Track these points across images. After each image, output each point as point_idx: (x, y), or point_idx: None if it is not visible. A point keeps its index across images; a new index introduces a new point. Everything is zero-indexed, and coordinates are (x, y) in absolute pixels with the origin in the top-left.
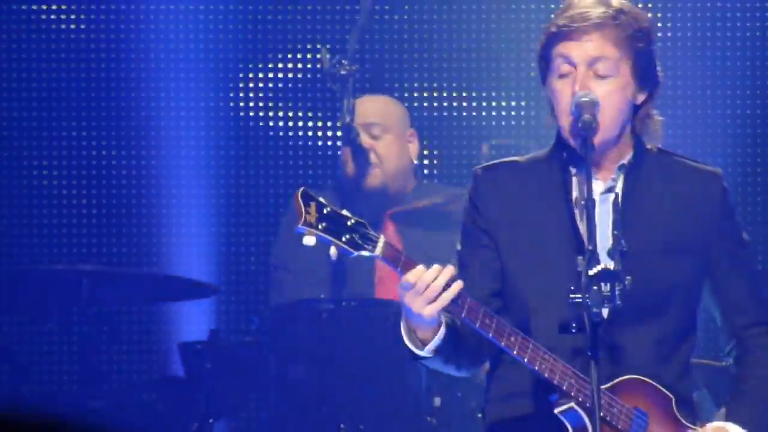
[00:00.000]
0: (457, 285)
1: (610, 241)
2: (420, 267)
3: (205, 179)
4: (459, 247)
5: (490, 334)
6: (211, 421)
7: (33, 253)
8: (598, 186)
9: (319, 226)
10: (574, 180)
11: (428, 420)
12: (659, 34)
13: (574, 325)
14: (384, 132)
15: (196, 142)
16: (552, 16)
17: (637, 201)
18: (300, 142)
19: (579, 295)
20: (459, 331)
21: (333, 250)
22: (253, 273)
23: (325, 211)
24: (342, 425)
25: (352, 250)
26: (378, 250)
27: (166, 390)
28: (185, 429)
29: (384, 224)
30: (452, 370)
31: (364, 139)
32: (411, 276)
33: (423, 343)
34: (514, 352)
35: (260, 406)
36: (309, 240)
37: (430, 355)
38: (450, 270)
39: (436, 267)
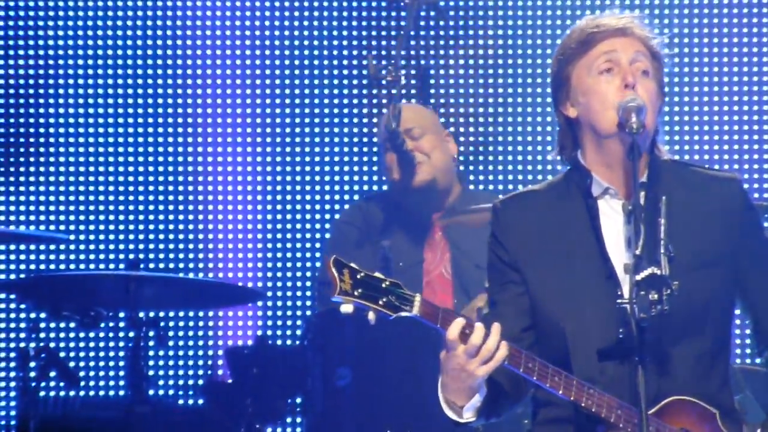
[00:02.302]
0: (505, 343)
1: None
2: (461, 320)
3: (252, 186)
4: (487, 284)
5: (534, 378)
6: (258, 426)
7: (81, 259)
8: (619, 204)
9: (355, 293)
10: (600, 203)
11: (475, 426)
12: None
13: (621, 331)
14: (423, 133)
15: (245, 149)
16: (567, 38)
17: (663, 209)
18: (346, 149)
19: (626, 300)
20: (497, 383)
21: (371, 315)
22: (300, 279)
23: (359, 277)
24: (388, 431)
25: (390, 313)
26: (416, 310)
27: (213, 395)
28: None
29: (432, 229)
30: (497, 420)
31: (408, 142)
32: (455, 330)
33: (462, 407)
34: (560, 392)
35: (306, 411)
36: (347, 308)
37: (474, 418)
38: (497, 327)
39: (480, 326)
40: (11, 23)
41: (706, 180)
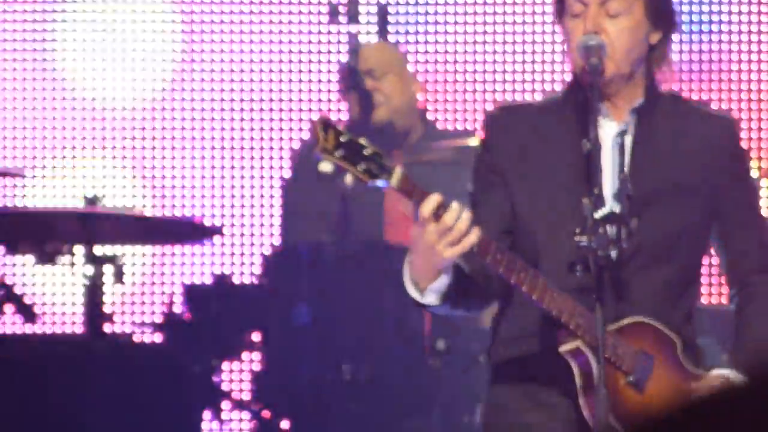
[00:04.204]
0: (476, 228)
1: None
2: (437, 197)
3: (210, 120)
4: (470, 188)
5: (501, 270)
6: (215, 362)
7: (38, 196)
8: (612, 128)
9: (336, 153)
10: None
11: (432, 363)
12: None
13: (578, 267)
14: (384, 74)
15: (201, 79)
16: None
17: (647, 144)
18: (305, 79)
19: (584, 237)
20: (463, 272)
21: (348, 178)
22: (258, 216)
23: (342, 139)
24: (344, 367)
25: (367, 179)
26: (394, 180)
27: (171, 331)
28: (190, 370)
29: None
30: (459, 313)
31: (367, 83)
32: (429, 206)
33: (426, 289)
34: (524, 288)
35: (264, 348)
36: (325, 166)
37: (438, 302)
38: (469, 214)
39: (456, 205)
40: None
41: (700, 115)
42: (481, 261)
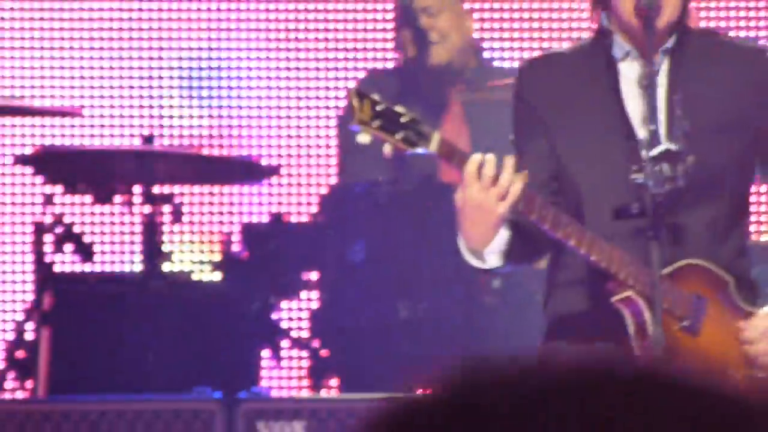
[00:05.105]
0: (522, 175)
1: (663, 124)
2: (478, 156)
3: (267, 60)
4: (512, 138)
5: (547, 226)
6: (273, 301)
7: (96, 134)
8: (641, 68)
9: (373, 124)
10: (620, 65)
11: (487, 301)
12: None
13: (634, 206)
14: (440, 11)
15: (261, 21)
16: None
17: (683, 82)
18: (361, 18)
19: (640, 175)
20: (522, 227)
21: (387, 148)
22: (314, 155)
23: (378, 108)
24: (399, 306)
25: (407, 147)
26: (433, 146)
27: (229, 270)
28: (248, 308)
29: (449, 104)
30: (521, 268)
31: (423, 20)
32: (472, 166)
33: (484, 253)
34: (572, 243)
35: (321, 287)
36: (363, 138)
37: (500, 263)
38: (511, 161)
39: (491, 158)
40: None
41: (735, 49)
42: (527, 218)
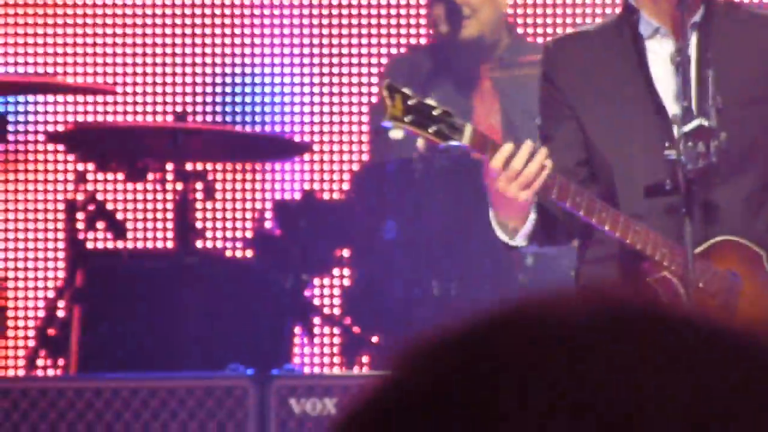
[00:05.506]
0: (549, 165)
1: (694, 100)
2: (508, 147)
3: (299, 38)
4: (539, 121)
5: (581, 212)
6: (305, 277)
7: (129, 111)
8: (670, 45)
9: (405, 119)
10: (648, 42)
11: (520, 279)
12: None
13: (668, 182)
14: None
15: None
16: None
17: (713, 57)
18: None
19: (673, 151)
20: (549, 211)
21: (420, 142)
22: (347, 132)
23: (410, 103)
24: (433, 282)
25: (439, 141)
26: (466, 139)
27: (262, 247)
28: (280, 285)
29: (481, 79)
30: (549, 249)
31: None
32: (500, 159)
33: (515, 231)
34: (606, 228)
35: (353, 264)
36: (396, 134)
37: (525, 243)
38: (543, 152)
39: (526, 148)
40: None
41: (761, 19)
42: (561, 205)
